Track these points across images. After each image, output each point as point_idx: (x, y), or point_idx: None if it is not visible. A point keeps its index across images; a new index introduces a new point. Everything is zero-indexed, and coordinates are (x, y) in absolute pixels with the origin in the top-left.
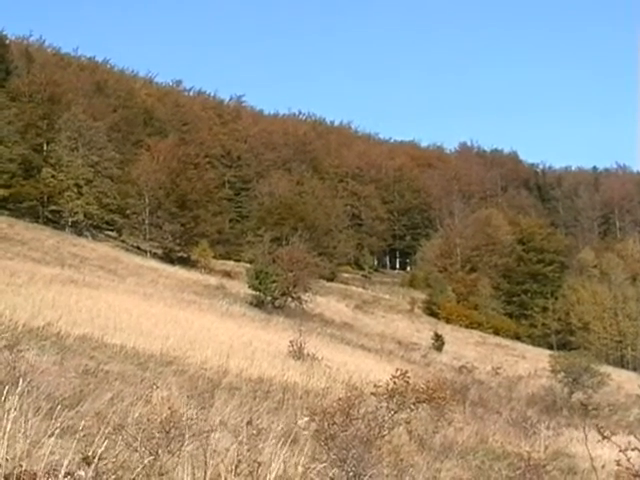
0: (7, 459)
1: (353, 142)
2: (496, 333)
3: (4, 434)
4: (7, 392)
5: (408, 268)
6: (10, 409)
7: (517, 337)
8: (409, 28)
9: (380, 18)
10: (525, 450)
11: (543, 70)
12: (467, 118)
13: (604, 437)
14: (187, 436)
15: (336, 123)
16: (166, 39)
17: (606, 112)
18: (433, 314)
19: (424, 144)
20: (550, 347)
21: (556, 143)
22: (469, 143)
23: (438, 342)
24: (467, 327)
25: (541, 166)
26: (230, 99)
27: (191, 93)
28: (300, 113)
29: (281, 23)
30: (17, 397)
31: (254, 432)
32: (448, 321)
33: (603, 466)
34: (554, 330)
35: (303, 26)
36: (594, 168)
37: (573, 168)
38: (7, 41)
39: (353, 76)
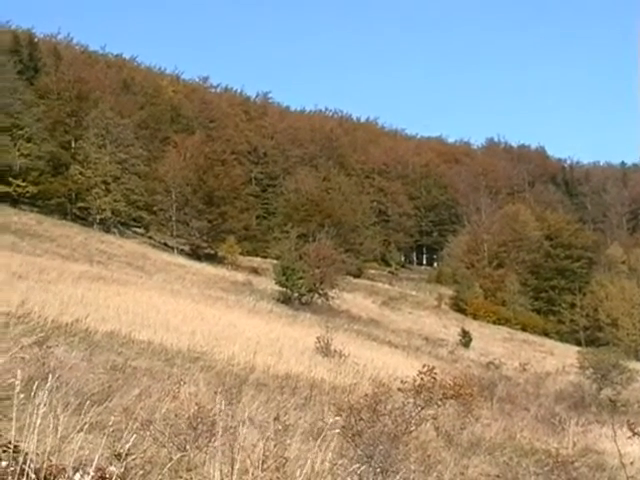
0: (37, 454)
1: (380, 138)
2: (524, 329)
3: (34, 429)
4: (37, 387)
5: (435, 264)
6: (40, 404)
7: (545, 333)
8: (436, 24)
9: (407, 14)
10: (553, 447)
11: (571, 65)
12: (494, 114)
13: (634, 433)
14: (214, 432)
15: (363, 119)
16: (193, 36)
17: (635, 107)
18: (460, 310)
19: (451, 140)
20: (578, 343)
21: (584, 138)
22: (496, 139)
23: (465, 338)
24: (494, 323)
25: (569, 161)
26: (257, 95)
27: (218, 90)
28: (327, 109)
29: (307, 19)
30: (46, 392)
31: (281, 428)
32: (475, 317)
33: (632, 462)
34: (582, 326)
35: (329, 22)
36: (622, 163)
37: (601, 163)
38: (36, 39)
39: (380, 72)
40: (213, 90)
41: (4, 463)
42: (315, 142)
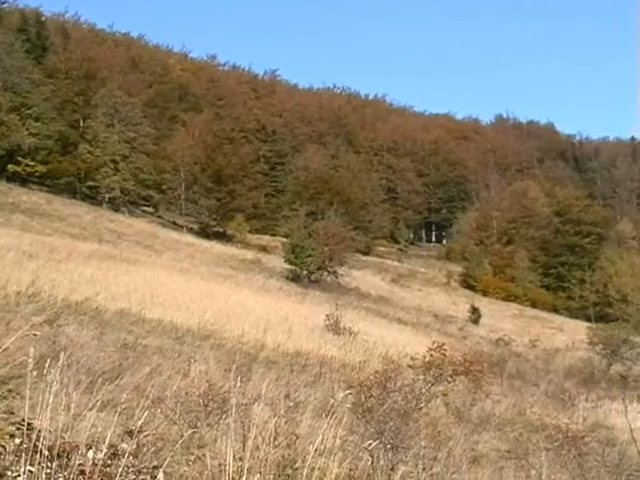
0: (50, 431)
1: (388, 115)
2: (533, 306)
3: (47, 407)
4: (48, 366)
5: (444, 241)
6: (52, 382)
7: (554, 309)
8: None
9: None
10: (563, 422)
11: (581, 39)
12: (503, 90)
13: None
14: (225, 409)
15: (371, 96)
16: (200, 14)
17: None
18: (470, 287)
19: (460, 116)
20: (588, 319)
21: (593, 114)
22: (505, 115)
23: (475, 315)
24: (504, 300)
25: (578, 137)
26: (265, 73)
27: (226, 68)
28: (335, 87)
29: None
30: (58, 371)
31: (292, 405)
32: (485, 294)
33: None
34: (592, 302)
35: None
36: (632, 139)
37: (611, 139)
38: (43, 18)
39: (388, 48)
40: (221, 68)
41: (17, 440)
42: (323, 120)
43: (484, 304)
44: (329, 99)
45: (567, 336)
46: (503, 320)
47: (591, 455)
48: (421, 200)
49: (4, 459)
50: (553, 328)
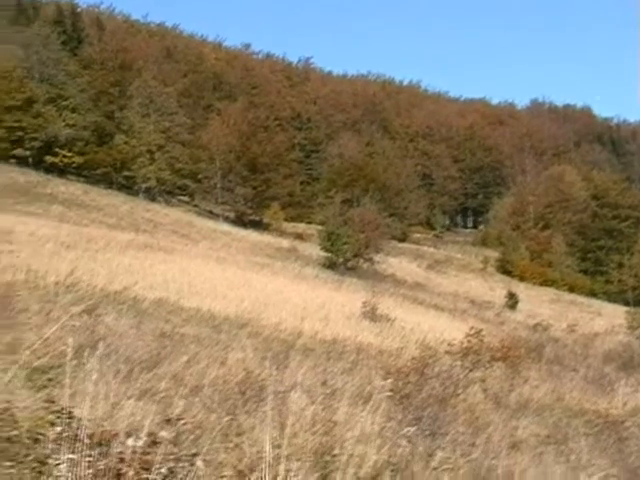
0: (90, 419)
1: (423, 101)
2: (571, 290)
3: (86, 396)
4: (87, 355)
5: (480, 227)
6: (91, 371)
7: (592, 294)
8: None
9: None
10: (603, 407)
11: (616, 21)
12: (539, 74)
13: None
14: (263, 397)
15: (405, 82)
16: (234, 2)
17: None
18: (506, 272)
19: (495, 101)
20: (626, 303)
21: (631, 96)
22: (541, 99)
23: (512, 300)
24: (541, 285)
25: (615, 120)
26: (299, 61)
27: (260, 56)
28: (369, 73)
29: None
30: (97, 360)
31: (329, 392)
32: (522, 279)
33: None
34: (630, 286)
35: None
36: None
37: None
38: (78, 10)
39: (422, 34)
40: (255, 57)
41: (59, 428)
42: (358, 106)
43: (521, 289)
44: (363, 86)
45: (605, 320)
46: (540, 305)
47: (631, 440)
48: (457, 186)
49: (45, 447)
50: (591, 313)
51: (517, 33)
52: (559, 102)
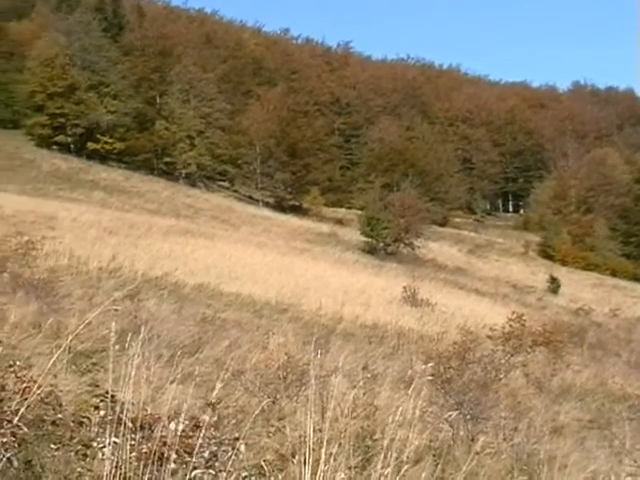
0: (133, 403)
1: (463, 85)
2: (613, 275)
3: (129, 380)
4: (130, 340)
5: (521, 211)
6: (134, 356)
7: (635, 278)
8: None
9: None
10: None
11: None
12: (580, 56)
13: None
14: (304, 381)
15: (445, 66)
16: None
17: None
18: (548, 257)
19: (535, 84)
20: None
21: None
22: (582, 82)
23: (554, 285)
24: (583, 269)
25: None
26: (338, 46)
27: (299, 41)
28: (408, 57)
29: None
30: (139, 344)
31: (370, 377)
32: (563, 263)
33: None
34: None
35: None
36: None
37: None
38: None
39: (461, 17)
40: (294, 42)
41: (102, 412)
42: (397, 91)
43: (563, 274)
44: (403, 70)
45: None
46: (583, 290)
47: None
48: (497, 170)
49: (90, 430)
50: (634, 297)
51: (558, 15)
52: (601, 85)
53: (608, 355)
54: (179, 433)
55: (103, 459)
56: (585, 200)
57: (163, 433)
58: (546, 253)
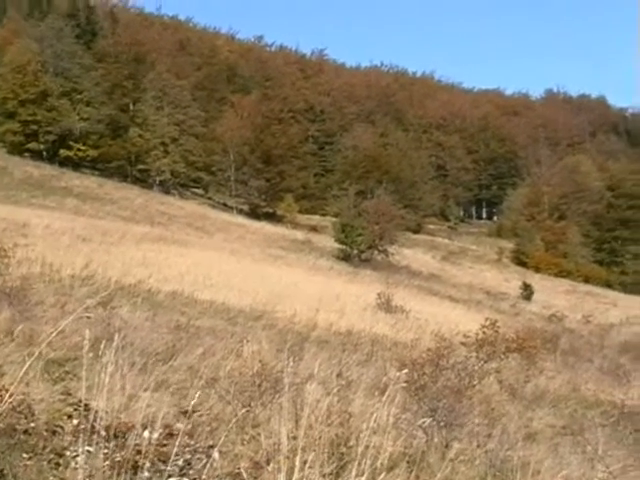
0: (106, 412)
1: (436, 92)
2: (586, 281)
3: (103, 388)
4: (103, 347)
5: (495, 218)
6: (107, 364)
7: (608, 285)
8: None
9: None
10: (619, 398)
11: (631, 10)
12: (553, 64)
13: None
14: (279, 389)
15: (419, 74)
16: None
17: None
18: (521, 263)
19: (509, 92)
20: None
21: None
22: (555, 89)
23: (527, 291)
24: (556, 276)
25: (631, 110)
26: (312, 53)
27: (273, 48)
28: (382, 65)
29: None
30: (113, 352)
31: (344, 384)
32: (537, 270)
33: None
34: None
35: None
36: None
37: None
38: (92, 3)
39: (435, 25)
40: (268, 49)
41: (75, 421)
42: (371, 98)
43: (536, 280)
44: (377, 77)
45: (621, 311)
46: (556, 296)
47: None
48: (471, 177)
49: (63, 439)
50: (607, 304)
51: (531, 23)
52: (574, 92)
53: (581, 361)
54: (153, 441)
55: (76, 468)
56: (558, 207)
57: (137, 441)
58: (519, 260)
